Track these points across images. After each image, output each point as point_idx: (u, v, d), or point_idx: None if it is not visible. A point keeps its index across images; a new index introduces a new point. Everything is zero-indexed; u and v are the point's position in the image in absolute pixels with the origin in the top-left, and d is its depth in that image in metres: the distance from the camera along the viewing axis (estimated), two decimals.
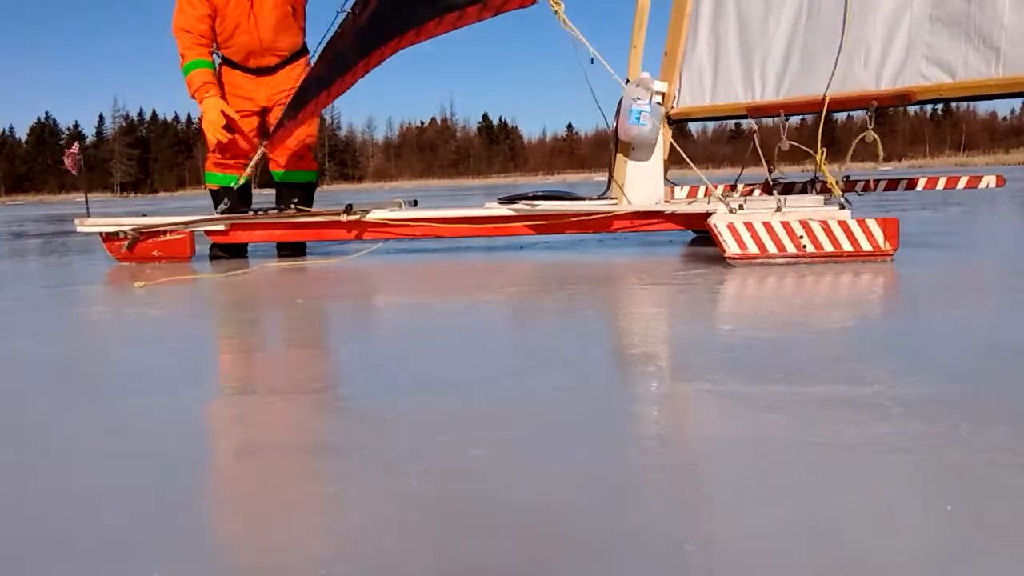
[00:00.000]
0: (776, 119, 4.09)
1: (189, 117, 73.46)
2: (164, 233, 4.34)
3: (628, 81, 4.07)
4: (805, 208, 3.45)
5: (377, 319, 2.62)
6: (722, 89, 4.22)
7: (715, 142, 74.36)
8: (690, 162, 4.10)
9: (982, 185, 4.55)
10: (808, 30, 3.90)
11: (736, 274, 3.11)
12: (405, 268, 3.97)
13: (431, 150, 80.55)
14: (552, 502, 1.00)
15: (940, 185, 4.65)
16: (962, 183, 4.60)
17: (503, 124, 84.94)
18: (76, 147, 4.42)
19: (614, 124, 4.03)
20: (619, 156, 4.09)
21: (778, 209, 3.40)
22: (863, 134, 3.51)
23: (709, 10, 4.27)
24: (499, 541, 0.90)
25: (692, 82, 4.33)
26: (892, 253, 3.30)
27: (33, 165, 71.42)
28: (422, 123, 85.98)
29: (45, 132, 75.09)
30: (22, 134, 75.09)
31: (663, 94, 4.18)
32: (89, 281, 3.77)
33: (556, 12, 3.85)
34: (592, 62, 3.85)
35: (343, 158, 77.33)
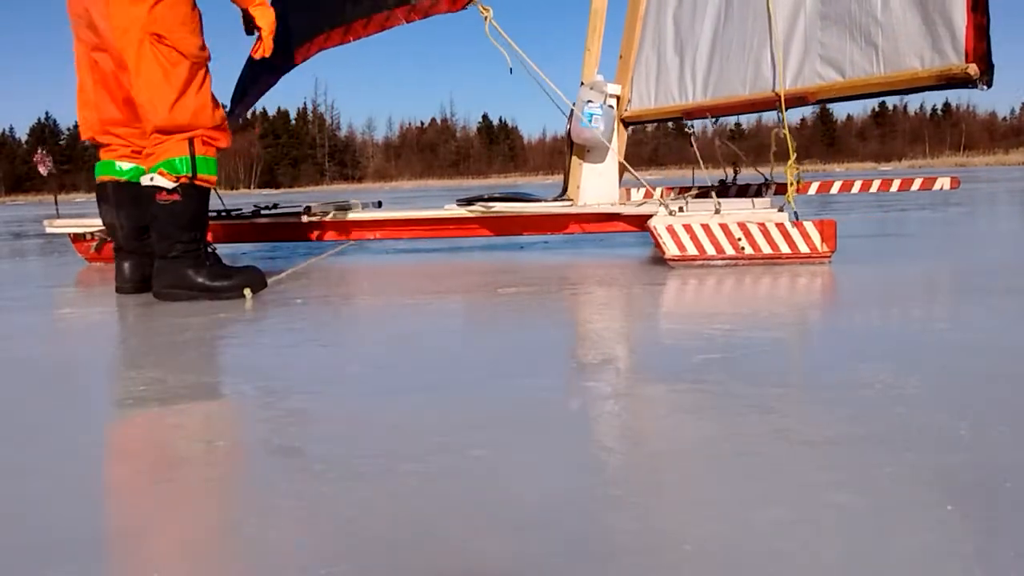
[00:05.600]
0: (709, 120, 4.15)
1: None
2: None
3: (582, 84, 4.12)
4: (744, 210, 3.49)
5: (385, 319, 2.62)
6: (663, 92, 4.28)
7: (715, 142, 74.31)
8: (628, 166, 4.16)
9: (936, 187, 4.60)
10: (725, 33, 3.95)
11: (675, 276, 3.13)
12: (406, 269, 3.97)
13: (431, 150, 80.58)
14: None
15: (894, 187, 4.69)
16: (916, 185, 4.64)
17: (503, 124, 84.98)
18: (42, 151, 4.48)
19: (568, 126, 4.09)
20: (574, 158, 4.15)
21: (716, 211, 3.45)
22: (774, 131, 3.52)
23: (653, 14, 4.33)
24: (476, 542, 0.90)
25: (639, 85, 4.40)
26: (830, 255, 3.34)
27: (35, 165, 71.42)
28: (422, 123, 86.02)
29: (45, 132, 75.09)
30: (22, 134, 75.12)
31: (617, 97, 4.28)
32: (64, 282, 3.77)
33: (485, 18, 3.87)
34: (511, 72, 3.90)
35: (343, 158, 77.36)
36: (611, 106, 4.02)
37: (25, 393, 1.70)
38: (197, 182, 2.96)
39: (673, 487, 1.05)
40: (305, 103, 79.32)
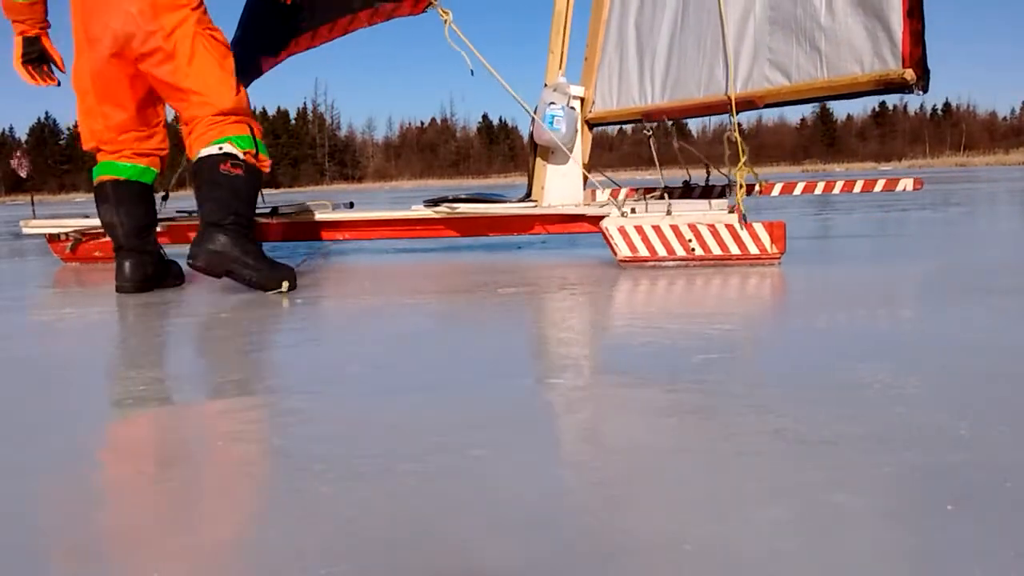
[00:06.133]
0: (667, 122, 4.18)
1: None
2: (104, 234, 4.29)
3: (546, 86, 4.16)
4: (695, 212, 3.51)
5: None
6: (624, 94, 4.30)
7: (715, 142, 74.48)
8: (603, 171, 4.23)
9: (899, 188, 4.61)
10: (682, 37, 3.97)
11: (627, 277, 3.15)
12: (409, 267, 3.96)
13: (431, 150, 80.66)
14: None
15: (857, 188, 4.70)
16: (879, 186, 4.65)
17: (503, 124, 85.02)
18: (19, 153, 4.54)
19: (531, 128, 4.13)
20: (538, 160, 4.19)
21: (668, 213, 3.47)
22: (726, 134, 3.56)
23: (616, 17, 4.35)
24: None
25: (603, 87, 4.42)
26: (779, 256, 3.36)
27: (33, 165, 71.52)
28: (422, 123, 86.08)
29: (45, 132, 75.13)
30: (22, 134, 75.13)
31: (582, 99, 4.32)
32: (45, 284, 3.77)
33: (445, 21, 3.90)
34: (472, 74, 3.95)
35: (343, 158, 77.45)
36: (573, 108, 4.06)
37: (24, 393, 1.70)
38: (258, 162, 3.13)
39: (674, 487, 1.05)
40: (305, 103, 79.48)
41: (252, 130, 3.14)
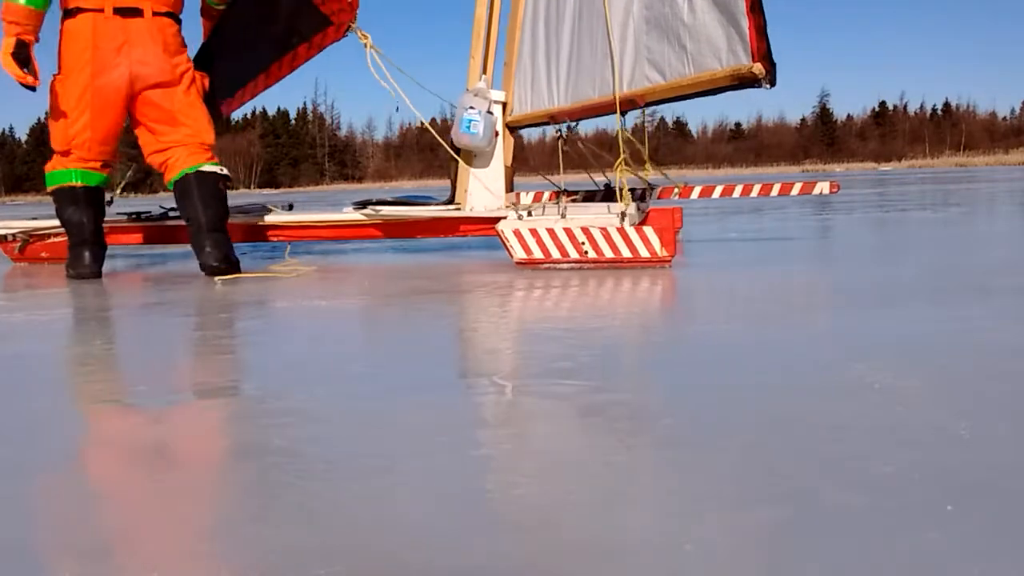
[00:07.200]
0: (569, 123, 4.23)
1: None
2: (49, 236, 4.55)
3: (467, 90, 4.22)
4: (587, 215, 3.56)
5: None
6: (536, 97, 4.36)
7: (715, 142, 74.45)
8: (550, 175, 4.27)
9: (816, 191, 4.65)
10: (580, 40, 4.01)
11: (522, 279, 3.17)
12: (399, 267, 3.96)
13: (431, 150, 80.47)
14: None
15: (775, 192, 4.72)
16: (796, 190, 4.68)
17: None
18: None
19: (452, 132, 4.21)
20: (461, 164, 4.25)
21: (562, 216, 3.54)
22: (620, 135, 3.62)
23: (528, 22, 4.41)
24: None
25: (520, 90, 4.47)
26: (670, 259, 3.42)
27: (33, 165, 71.40)
28: (422, 123, 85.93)
29: (44, 132, 75.02)
30: (22, 134, 75.01)
31: (504, 103, 4.39)
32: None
33: (365, 44, 4.11)
34: (396, 110, 4.13)
35: (343, 158, 77.36)
36: (491, 112, 4.13)
37: (22, 392, 1.70)
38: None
39: (670, 486, 1.05)
40: (305, 103, 79.40)
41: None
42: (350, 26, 4.19)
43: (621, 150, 3.52)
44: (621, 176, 3.53)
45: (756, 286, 3.01)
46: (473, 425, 1.35)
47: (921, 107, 78.52)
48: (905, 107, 77.65)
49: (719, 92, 3.43)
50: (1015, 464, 1.07)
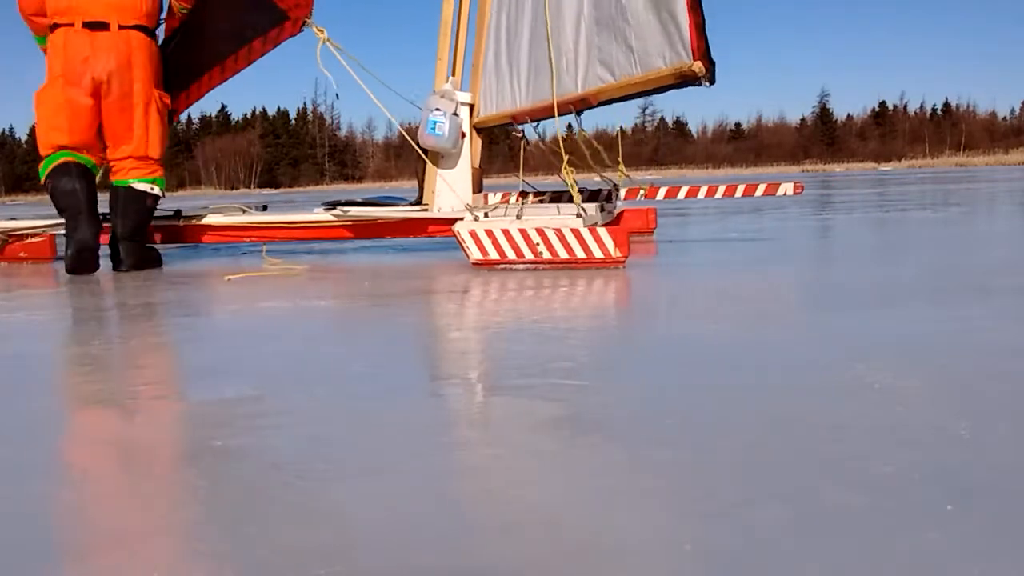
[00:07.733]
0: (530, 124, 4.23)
1: (189, 117, 73.42)
2: (28, 236, 4.62)
3: (433, 92, 4.25)
4: (542, 216, 3.59)
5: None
6: (500, 98, 4.38)
7: (715, 142, 74.44)
8: (524, 176, 4.37)
9: (780, 192, 4.68)
10: (537, 40, 4.03)
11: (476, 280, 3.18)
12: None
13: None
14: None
15: (739, 192, 4.74)
16: (760, 191, 4.70)
17: (503, 124, 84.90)
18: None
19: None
20: (428, 165, 4.29)
21: (518, 217, 3.58)
22: (578, 135, 3.65)
23: (493, 25, 4.43)
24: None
25: (485, 92, 4.49)
26: (623, 260, 3.43)
27: (33, 165, 71.26)
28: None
29: None
30: (22, 134, 75.04)
31: (471, 104, 4.42)
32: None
33: (321, 39, 4.14)
34: (337, 98, 4.17)
35: (343, 158, 77.36)
36: (456, 113, 4.16)
37: (21, 392, 1.70)
38: (161, 196, 4.30)
39: (670, 486, 1.06)
40: (305, 103, 79.44)
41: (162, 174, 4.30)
42: (306, 21, 4.25)
43: (563, 151, 3.55)
44: (569, 176, 3.56)
45: (756, 286, 3.01)
46: (473, 425, 1.36)
47: (921, 107, 78.50)
48: (905, 107, 77.64)
49: (666, 90, 3.45)
50: (1015, 464, 1.07)
